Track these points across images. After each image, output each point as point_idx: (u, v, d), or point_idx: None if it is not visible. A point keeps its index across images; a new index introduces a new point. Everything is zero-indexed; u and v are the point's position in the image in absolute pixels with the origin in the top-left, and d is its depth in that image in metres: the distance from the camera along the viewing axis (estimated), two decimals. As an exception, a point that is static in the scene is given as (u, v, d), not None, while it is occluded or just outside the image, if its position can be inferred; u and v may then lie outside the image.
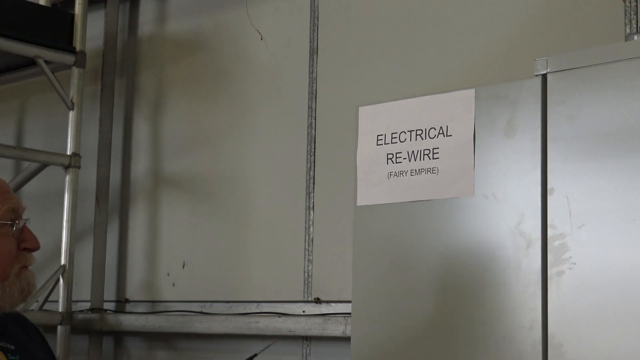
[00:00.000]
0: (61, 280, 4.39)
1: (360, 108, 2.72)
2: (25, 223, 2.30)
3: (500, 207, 2.39)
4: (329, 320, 3.65)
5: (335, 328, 3.61)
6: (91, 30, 4.62)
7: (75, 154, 4.45)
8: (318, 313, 3.74)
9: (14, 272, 2.23)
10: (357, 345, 2.64)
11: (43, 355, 2.40)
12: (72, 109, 4.45)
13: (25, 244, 2.27)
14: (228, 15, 4.35)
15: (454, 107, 2.51)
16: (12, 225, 2.24)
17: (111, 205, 4.70)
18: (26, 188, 4.76)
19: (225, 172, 4.25)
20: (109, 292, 4.63)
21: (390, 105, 2.66)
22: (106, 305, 4.61)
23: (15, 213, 2.27)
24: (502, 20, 3.44)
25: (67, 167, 4.44)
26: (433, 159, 2.53)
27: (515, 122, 2.39)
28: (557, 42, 3.29)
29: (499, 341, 2.35)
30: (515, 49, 3.39)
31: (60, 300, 4.39)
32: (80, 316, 4.52)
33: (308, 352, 3.83)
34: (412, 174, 2.57)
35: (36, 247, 2.30)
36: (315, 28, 3.99)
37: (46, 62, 4.36)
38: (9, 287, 2.23)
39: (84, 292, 4.62)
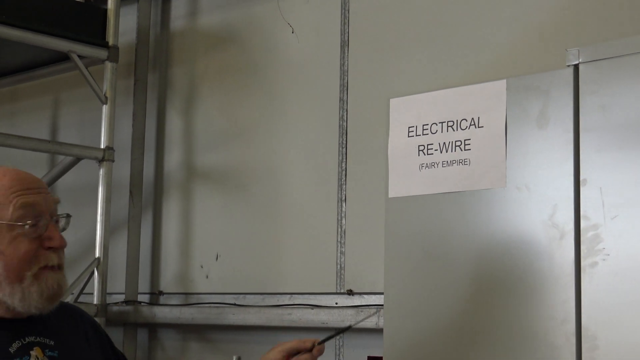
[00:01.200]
0: (96, 273, 4.42)
1: (391, 100, 2.72)
2: (51, 220, 2.18)
3: (533, 199, 2.38)
4: (361, 312, 3.65)
5: (368, 319, 3.61)
6: (124, 24, 4.64)
7: (108, 148, 4.47)
8: (351, 305, 3.74)
9: (31, 273, 2.14)
10: (390, 337, 2.64)
11: (92, 351, 2.36)
12: (106, 103, 4.47)
13: (50, 242, 2.16)
14: (259, 8, 4.35)
15: (486, 99, 2.50)
16: (25, 225, 2.14)
17: (145, 198, 4.72)
18: (60, 182, 4.79)
19: (257, 164, 4.26)
20: (143, 285, 4.65)
21: (422, 97, 2.65)
22: (140, 298, 4.63)
23: (33, 209, 2.16)
24: (534, 11, 3.42)
25: (100, 161, 4.47)
26: (465, 150, 2.52)
27: (547, 113, 2.38)
28: (589, 33, 3.26)
29: (532, 333, 2.34)
30: (547, 40, 3.37)
31: (95, 292, 4.42)
32: (115, 308, 4.55)
33: (341, 343, 3.83)
34: (443, 165, 2.57)
35: (61, 246, 2.19)
36: (346, 20, 3.98)
37: (79, 56, 4.38)
38: (27, 289, 2.14)
39: (118, 285, 4.65)
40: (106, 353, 2.41)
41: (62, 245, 2.18)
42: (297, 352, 2.41)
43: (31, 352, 2.16)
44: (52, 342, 2.22)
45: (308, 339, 2.42)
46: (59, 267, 2.20)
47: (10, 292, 2.15)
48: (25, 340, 2.18)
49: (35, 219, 2.15)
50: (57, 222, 2.20)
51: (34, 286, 2.14)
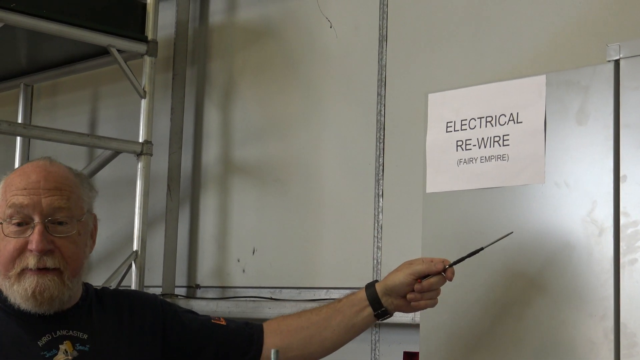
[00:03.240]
0: (133, 266, 4.44)
1: (429, 95, 2.71)
2: (38, 223, 2.16)
3: (572, 195, 2.37)
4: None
5: (403, 315, 3.58)
6: (163, 19, 4.66)
7: (147, 142, 4.49)
8: (387, 300, 3.73)
9: (14, 273, 2.17)
10: (426, 333, 2.63)
11: (145, 344, 2.35)
12: (144, 97, 4.49)
13: (30, 244, 2.16)
14: (297, 2, 4.35)
15: (525, 94, 2.49)
16: (10, 224, 2.18)
17: (182, 192, 4.74)
18: (99, 175, 4.83)
19: (294, 159, 4.26)
20: (180, 278, 4.68)
21: (460, 92, 2.64)
22: (177, 291, 4.66)
23: (21, 210, 2.18)
24: (573, 5, 3.39)
25: (139, 155, 4.49)
26: (503, 145, 2.51)
27: (587, 109, 2.36)
28: (630, 28, 3.23)
29: (570, 330, 2.32)
30: (587, 35, 3.34)
31: (133, 285, 4.43)
32: (153, 301, 4.57)
33: (377, 338, 3.82)
34: (481, 160, 2.56)
35: (36, 249, 2.15)
36: (385, 15, 3.97)
37: (119, 51, 4.40)
38: (11, 288, 2.18)
39: (155, 278, 4.67)
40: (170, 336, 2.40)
41: (37, 249, 2.15)
42: (427, 274, 2.33)
43: (60, 346, 2.19)
44: (85, 336, 2.24)
45: (437, 259, 2.34)
46: (53, 270, 2.17)
47: (4, 288, 2.21)
48: (56, 334, 2.20)
49: (22, 220, 2.18)
50: (46, 227, 2.17)
51: (15, 286, 2.17)
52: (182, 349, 2.41)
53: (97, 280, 4.88)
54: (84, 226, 2.27)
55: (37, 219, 2.17)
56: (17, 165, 5.42)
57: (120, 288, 2.51)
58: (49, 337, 2.19)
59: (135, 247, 4.45)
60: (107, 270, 4.76)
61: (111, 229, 5.09)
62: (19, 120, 5.39)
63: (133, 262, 4.44)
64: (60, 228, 2.19)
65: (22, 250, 2.17)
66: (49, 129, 4.62)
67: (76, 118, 5.38)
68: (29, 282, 2.15)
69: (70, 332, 2.22)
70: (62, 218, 2.20)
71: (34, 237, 2.15)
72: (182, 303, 4.50)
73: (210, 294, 4.53)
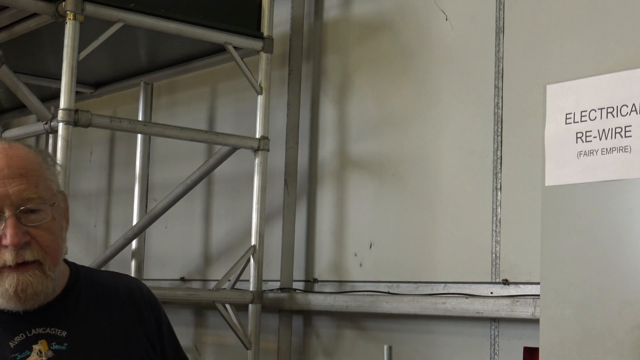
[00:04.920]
0: (252, 260, 4.51)
1: (547, 86, 2.68)
2: (10, 216, 1.98)
3: (698, 187, 2.31)
4: (517, 302, 3.61)
5: (523, 310, 3.57)
6: (278, 16, 4.71)
7: (264, 137, 4.55)
8: (506, 295, 3.71)
9: None
10: (546, 327, 2.61)
11: (132, 335, 2.16)
12: (261, 93, 4.55)
13: (4, 239, 1.98)
14: (412, -4, 4.35)
15: (648, 84, 2.44)
16: None
17: (299, 187, 4.79)
18: (217, 171, 4.91)
19: (411, 153, 4.26)
20: (298, 272, 4.72)
21: (579, 83, 2.61)
22: (295, 285, 4.70)
23: None
24: (699, -8, 3.30)
25: (256, 150, 4.55)
26: (625, 137, 2.47)
27: None
28: None
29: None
30: None
31: (251, 279, 4.51)
32: (271, 295, 4.64)
33: (496, 333, 3.80)
34: (602, 153, 2.52)
35: (11, 244, 1.97)
36: (501, 6, 3.94)
37: (235, 48, 4.47)
38: None
39: (273, 272, 4.73)
40: (154, 340, 2.21)
41: (13, 243, 1.97)
42: None
43: (34, 346, 2.03)
44: (63, 334, 2.07)
45: None
46: (33, 263, 2.01)
47: None
48: (30, 333, 2.04)
49: None
50: (18, 217, 1.99)
51: None
52: None
53: (217, 274, 4.98)
54: (57, 210, 2.08)
55: (7, 212, 1.98)
56: (138, 162, 5.56)
57: (135, 279, 2.35)
58: (22, 336, 2.03)
59: (253, 242, 4.52)
60: (226, 264, 4.85)
61: (230, 224, 5.17)
62: (140, 118, 5.52)
63: (251, 256, 4.50)
64: (33, 217, 2.01)
65: None
66: (168, 126, 4.72)
67: (194, 115, 5.48)
68: (9, 281, 1.98)
69: (48, 330, 2.06)
70: (35, 206, 2.01)
71: (8, 231, 1.97)
72: (300, 297, 4.55)
73: (328, 288, 4.56)
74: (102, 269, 4.84)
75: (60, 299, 2.11)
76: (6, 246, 1.97)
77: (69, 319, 2.09)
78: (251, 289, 4.50)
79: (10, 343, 2.02)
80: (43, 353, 2.02)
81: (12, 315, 2.04)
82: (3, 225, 1.98)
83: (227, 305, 4.49)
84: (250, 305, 4.49)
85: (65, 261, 2.21)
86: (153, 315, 2.22)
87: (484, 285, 3.83)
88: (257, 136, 4.55)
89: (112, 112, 5.96)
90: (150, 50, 4.94)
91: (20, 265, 1.98)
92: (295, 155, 4.78)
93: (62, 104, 3.95)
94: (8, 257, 1.98)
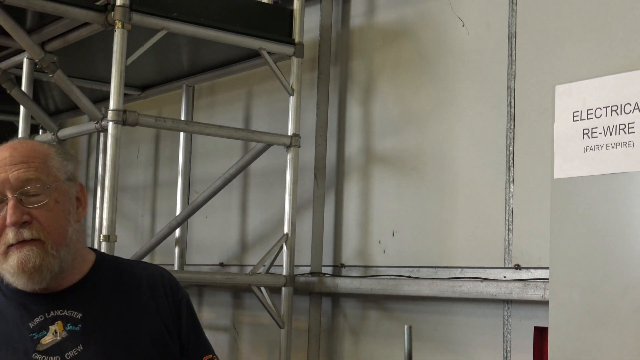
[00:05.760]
0: (284, 247, 4.52)
1: (557, 87, 2.67)
2: (11, 198, 2.01)
3: (696, 179, 2.28)
4: (528, 285, 3.60)
5: (534, 292, 3.55)
6: (308, 23, 4.70)
7: (295, 135, 4.55)
8: (518, 278, 3.69)
9: (0, 252, 2.02)
10: (555, 309, 2.59)
11: (148, 319, 2.13)
12: (292, 95, 4.55)
13: (5, 220, 2.01)
14: (431, 4, 4.33)
15: (649, 84, 2.42)
16: None
17: (327, 180, 4.78)
18: (253, 166, 4.92)
19: (430, 149, 4.25)
20: (327, 258, 4.72)
21: (586, 83, 2.59)
22: (324, 270, 4.70)
23: None
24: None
25: (288, 147, 4.55)
26: (628, 133, 2.45)
27: None
28: None
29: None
30: None
31: (284, 264, 4.52)
32: (302, 279, 4.64)
33: (509, 314, 3.78)
34: (607, 148, 2.50)
35: (10, 223, 2.00)
36: (514, 13, 3.91)
37: (269, 53, 4.47)
38: (2, 267, 2.04)
39: (304, 258, 4.73)
40: (171, 326, 2.16)
41: (11, 222, 2.00)
42: None
43: (50, 327, 2.04)
44: (79, 316, 2.07)
45: None
46: (33, 241, 2.01)
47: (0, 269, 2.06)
48: (49, 315, 2.06)
49: None
50: (19, 200, 2.01)
51: (4, 264, 2.03)
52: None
53: (253, 259, 5.00)
54: (63, 194, 2.08)
55: (9, 194, 2.01)
56: (181, 158, 5.58)
57: (160, 268, 2.30)
58: (41, 318, 2.05)
59: (286, 230, 4.53)
60: (261, 251, 4.86)
61: (264, 214, 5.18)
62: (182, 118, 5.53)
63: (284, 243, 4.52)
64: (33, 199, 2.02)
65: (2, 228, 2.01)
66: (207, 125, 4.74)
67: (232, 114, 5.48)
68: (13, 258, 2.00)
69: (64, 312, 2.07)
70: (34, 189, 2.03)
71: (8, 211, 2.00)
72: (329, 281, 4.55)
73: (354, 272, 4.56)
74: (149, 255, 4.87)
75: (80, 283, 2.12)
76: (8, 226, 2.00)
77: (86, 302, 2.10)
78: (284, 274, 4.51)
79: (30, 324, 2.05)
80: (58, 333, 2.04)
81: (34, 298, 2.07)
82: (5, 207, 2.01)
83: (262, 288, 4.50)
84: (283, 288, 4.50)
85: (94, 250, 2.23)
86: (173, 302, 2.19)
87: (497, 269, 3.82)
88: (289, 134, 4.55)
89: (157, 112, 5.98)
90: (192, 55, 4.95)
91: (20, 243, 2.00)
92: (323, 151, 4.78)
93: (111, 105, 3.97)
94: (10, 235, 2.00)
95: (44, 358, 2.01)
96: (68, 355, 2.02)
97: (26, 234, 2.00)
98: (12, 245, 2.01)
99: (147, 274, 2.22)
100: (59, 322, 2.05)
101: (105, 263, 2.20)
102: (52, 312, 2.06)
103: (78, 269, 2.13)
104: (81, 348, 2.03)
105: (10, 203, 2.00)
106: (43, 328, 2.04)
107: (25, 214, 2.01)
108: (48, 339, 2.03)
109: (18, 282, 2.04)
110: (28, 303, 2.08)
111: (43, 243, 2.02)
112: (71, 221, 2.09)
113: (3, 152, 2.06)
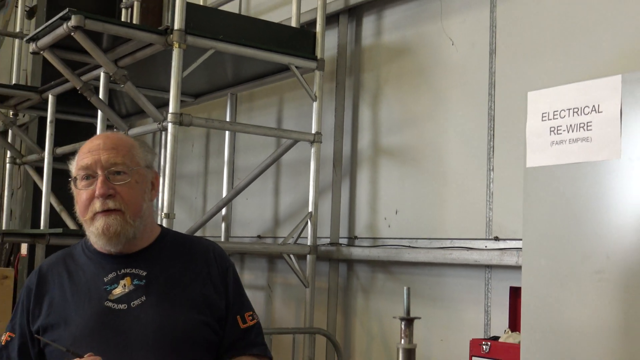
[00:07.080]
0: (309, 223, 4.52)
1: (529, 93, 2.64)
2: (100, 175, 2.04)
3: (642, 167, 2.26)
4: (505, 253, 3.58)
5: (510, 259, 3.54)
6: (328, 43, 4.69)
7: (317, 133, 4.54)
8: (497, 248, 3.67)
9: (87, 218, 2.06)
10: (527, 272, 2.58)
11: (199, 286, 2.11)
12: (315, 101, 4.54)
13: (95, 192, 2.05)
14: (427, 27, 4.30)
15: (604, 90, 2.39)
16: (77, 179, 2.07)
17: (344, 169, 4.78)
18: (284, 158, 4.92)
19: (426, 144, 4.23)
20: (343, 231, 4.72)
21: (553, 90, 2.56)
22: (341, 241, 4.70)
23: (86, 168, 2.07)
24: (643, 21, 3.22)
25: (312, 142, 4.55)
26: (587, 130, 2.42)
27: (654, 100, 2.24)
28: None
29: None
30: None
31: (309, 237, 4.52)
32: (323, 248, 4.64)
33: (489, 277, 3.76)
34: (570, 142, 2.47)
35: (99, 194, 2.03)
36: (494, 34, 3.88)
37: (297, 67, 4.46)
38: (88, 230, 2.08)
39: (324, 231, 4.73)
40: (220, 292, 2.15)
41: (100, 193, 2.03)
42: None
43: (121, 281, 2.07)
44: (144, 273, 2.09)
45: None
46: (115, 211, 2.04)
47: (86, 231, 2.10)
48: (120, 272, 2.08)
49: (89, 174, 2.06)
50: (107, 177, 2.05)
51: (91, 227, 2.06)
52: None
53: (284, 232, 4.99)
54: (142, 177, 2.10)
55: (99, 172, 2.05)
56: (226, 151, 5.58)
57: (212, 242, 2.28)
58: (114, 274, 2.08)
59: (310, 209, 4.53)
60: (290, 225, 4.86)
61: (293, 196, 5.18)
62: (227, 119, 5.53)
63: (309, 219, 4.52)
64: (118, 177, 2.06)
65: (91, 199, 2.04)
66: (247, 125, 4.74)
67: (267, 117, 5.48)
68: (99, 223, 2.03)
69: (133, 270, 2.09)
70: (119, 168, 2.06)
71: (98, 185, 2.04)
72: (345, 250, 4.55)
73: (365, 242, 4.56)
74: (201, 229, 4.88)
75: (147, 249, 2.14)
76: (97, 197, 2.04)
77: (151, 263, 2.12)
78: (308, 244, 4.51)
79: (104, 278, 2.08)
80: (126, 286, 2.07)
81: (110, 258, 2.10)
82: (96, 182, 2.05)
83: (291, 256, 4.51)
84: (308, 255, 4.51)
85: (160, 226, 2.25)
86: (221, 269, 2.18)
87: (480, 241, 3.80)
88: (313, 132, 4.55)
89: (207, 115, 5.98)
90: (235, 69, 4.95)
91: (105, 211, 2.04)
92: (340, 146, 4.77)
93: (170, 109, 3.98)
94: (97, 204, 2.04)
95: (114, 305, 2.04)
96: (133, 304, 2.04)
97: (111, 204, 2.03)
98: (98, 212, 2.04)
99: (202, 246, 2.23)
100: (128, 278, 2.08)
101: (168, 236, 2.22)
102: (122, 269, 2.09)
103: (147, 238, 2.15)
104: (144, 298, 2.06)
105: (100, 179, 2.04)
106: (115, 282, 2.07)
107: (111, 189, 2.04)
108: (118, 291, 2.06)
109: (100, 242, 2.08)
110: (104, 262, 2.11)
111: (123, 213, 2.05)
112: (146, 199, 2.11)
113: (97, 140, 2.11)
